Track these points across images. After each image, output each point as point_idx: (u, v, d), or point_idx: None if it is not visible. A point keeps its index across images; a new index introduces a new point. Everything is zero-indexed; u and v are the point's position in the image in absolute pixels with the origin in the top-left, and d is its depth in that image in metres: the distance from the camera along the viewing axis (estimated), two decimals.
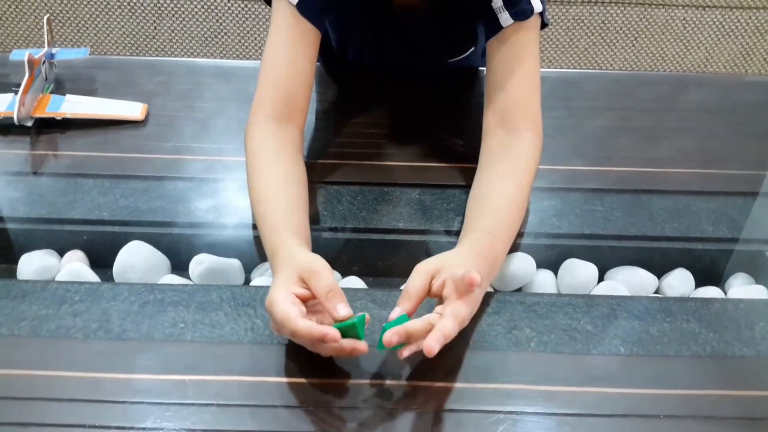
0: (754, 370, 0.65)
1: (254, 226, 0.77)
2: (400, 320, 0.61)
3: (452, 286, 0.62)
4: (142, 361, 0.63)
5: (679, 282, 0.79)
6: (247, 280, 0.78)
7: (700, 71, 1.94)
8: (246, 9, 1.86)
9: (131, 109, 0.94)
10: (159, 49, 1.90)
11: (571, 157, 0.91)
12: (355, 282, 0.76)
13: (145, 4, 1.85)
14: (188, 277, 0.76)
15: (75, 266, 0.75)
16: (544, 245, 0.79)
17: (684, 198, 0.85)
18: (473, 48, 1.00)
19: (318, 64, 0.84)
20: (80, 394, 0.60)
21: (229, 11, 1.86)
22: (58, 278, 0.75)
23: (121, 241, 0.77)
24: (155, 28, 1.88)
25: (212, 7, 1.85)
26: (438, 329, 0.59)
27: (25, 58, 0.91)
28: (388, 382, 0.62)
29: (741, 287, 0.78)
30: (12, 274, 0.77)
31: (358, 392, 0.61)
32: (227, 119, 0.94)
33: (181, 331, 0.66)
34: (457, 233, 0.74)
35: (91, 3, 1.85)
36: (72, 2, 1.85)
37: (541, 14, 0.80)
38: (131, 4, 1.85)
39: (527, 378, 0.63)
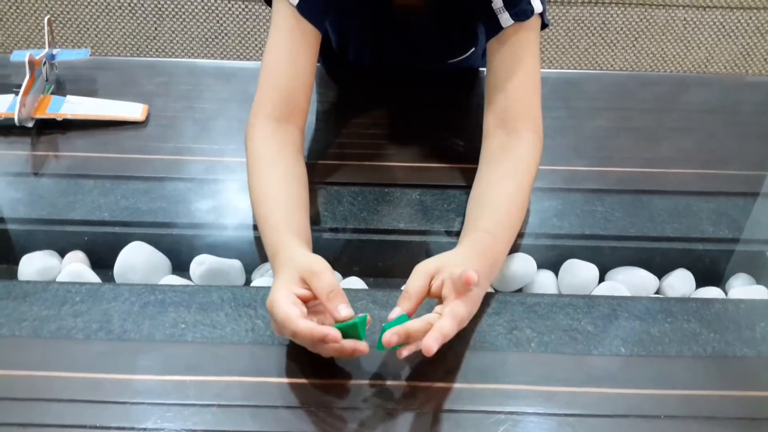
0: (754, 370, 0.65)
1: (255, 227, 0.77)
2: (400, 320, 0.61)
3: (451, 285, 0.62)
4: (143, 361, 0.63)
5: (680, 282, 0.79)
6: (248, 281, 0.78)
7: (701, 72, 1.94)
8: (246, 10, 1.86)
9: (132, 110, 0.94)
10: (159, 50, 1.90)
11: (571, 157, 0.91)
12: (355, 282, 0.76)
13: (145, 5, 1.85)
14: (189, 278, 0.76)
15: (76, 267, 0.75)
16: (545, 246, 0.79)
17: (684, 198, 0.85)
18: (473, 48, 1.00)
19: (318, 64, 0.84)
20: (81, 395, 0.60)
21: (230, 12, 1.86)
22: (58, 279, 0.75)
23: (122, 241, 0.77)
24: (156, 29, 1.88)
25: (213, 7, 1.85)
26: (436, 328, 0.59)
27: (26, 59, 0.91)
28: (388, 382, 0.62)
29: (742, 287, 0.78)
30: (13, 274, 0.77)
31: (358, 393, 0.61)
32: (228, 120, 0.94)
33: (182, 332, 0.66)
34: (458, 234, 0.74)
35: (92, 4, 1.85)
36: (73, 3, 1.85)
37: (542, 15, 0.80)
38: (132, 5, 1.85)
39: (528, 378, 0.63)
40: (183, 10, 1.86)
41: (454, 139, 0.92)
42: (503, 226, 0.72)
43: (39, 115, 0.91)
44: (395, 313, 0.62)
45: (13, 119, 0.88)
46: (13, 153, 0.88)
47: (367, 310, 0.68)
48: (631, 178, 0.87)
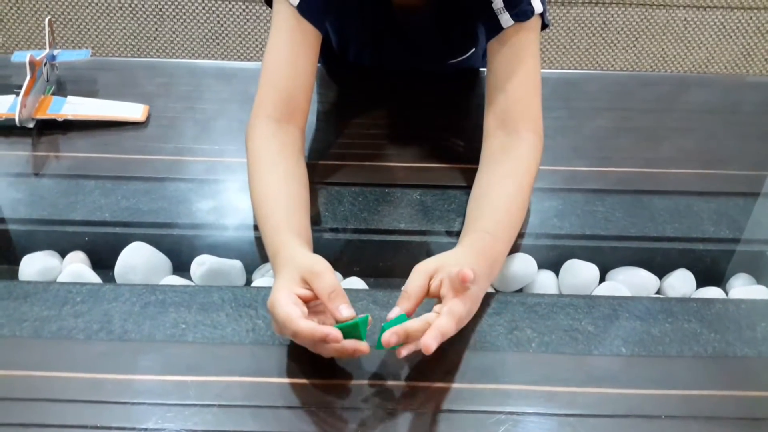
0: (755, 370, 0.65)
1: (255, 227, 0.77)
2: (399, 320, 0.61)
3: (449, 284, 0.62)
4: (144, 361, 0.63)
5: (681, 282, 0.79)
6: (249, 281, 0.78)
7: (701, 72, 1.94)
8: (247, 10, 1.86)
9: (132, 111, 0.94)
10: (160, 51, 1.90)
11: (572, 157, 0.91)
12: (356, 283, 0.76)
13: (146, 6, 1.85)
14: (189, 278, 0.77)
15: (76, 267, 0.75)
16: (545, 246, 0.79)
17: (685, 198, 0.85)
18: (474, 49, 1.00)
19: (318, 65, 0.84)
20: (82, 395, 0.60)
21: (230, 13, 1.86)
22: (59, 279, 0.75)
23: (123, 242, 0.77)
24: (156, 29, 1.88)
25: (213, 8, 1.85)
26: (435, 327, 0.59)
27: (27, 60, 0.91)
28: (389, 382, 0.62)
29: (742, 287, 0.78)
30: (14, 275, 0.77)
31: (359, 393, 0.61)
32: (228, 120, 0.95)
33: (183, 332, 0.66)
34: (458, 234, 0.74)
35: (93, 5, 1.85)
36: (73, 4, 1.85)
37: (542, 15, 0.80)
38: (132, 5, 1.85)
39: (528, 378, 0.63)
40: (183, 10, 1.86)
41: (454, 140, 0.92)
42: (503, 226, 0.72)
43: (40, 116, 0.91)
44: (394, 313, 0.62)
45: (14, 120, 0.88)
46: (13, 153, 0.88)
47: (367, 310, 0.68)
48: (631, 178, 0.87)
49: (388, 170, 0.87)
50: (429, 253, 0.67)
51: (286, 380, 0.62)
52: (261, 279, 0.76)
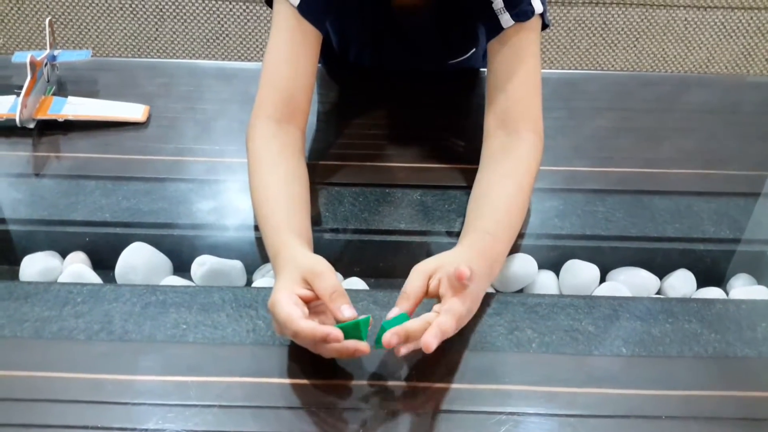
0: (756, 370, 0.65)
1: (256, 228, 0.77)
2: (399, 318, 0.61)
3: (447, 284, 0.62)
4: (144, 362, 0.63)
5: (681, 283, 0.79)
6: (249, 282, 0.78)
7: (702, 72, 1.94)
8: (247, 11, 1.86)
9: (133, 111, 0.94)
10: (160, 51, 1.91)
11: (572, 157, 0.91)
12: (356, 283, 0.76)
13: (146, 6, 1.85)
14: (190, 279, 0.77)
15: (77, 268, 0.75)
16: (546, 246, 0.79)
17: (685, 199, 0.85)
18: (474, 49, 1.00)
19: (319, 65, 0.85)
20: (82, 396, 0.60)
21: (231, 13, 1.86)
22: (60, 280, 0.75)
23: (123, 242, 0.77)
24: (157, 30, 1.88)
25: (213, 8, 1.85)
26: (435, 325, 0.59)
27: (28, 61, 0.91)
28: (390, 383, 0.62)
29: (743, 288, 0.78)
30: (14, 275, 0.77)
31: (360, 393, 0.61)
32: (229, 121, 0.95)
33: (183, 333, 0.66)
34: (459, 234, 0.74)
35: (93, 5, 1.85)
36: (74, 4, 1.85)
37: (542, 15, 0.80)
38: (133, 6, 1.85)
39: (529, 379, 0.63)
40: (184, 11, 1.86)
41: (454, 140, 0.92)
42: (503, 226, 0.72)
43: (40, 116, 0.91)
44: (393, 313, 0.62)
45: (14, 120, 0.88)
46: (14, 154, 0.88)
47: (368, 310, 0.68)
48: (632, 179, 0.87)
49: (389, 170, 0.87)
50: (429, 254, 0.67)
51: (287, 381, 0.62)
52: (261, 279, 0.76)
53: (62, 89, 0.99)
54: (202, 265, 0.76)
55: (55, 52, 0.99)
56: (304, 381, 0.62)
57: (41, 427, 0.58)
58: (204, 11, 1.86)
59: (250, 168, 0.76)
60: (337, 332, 0.58)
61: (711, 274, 0.80)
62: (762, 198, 0.86)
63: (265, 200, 0.73)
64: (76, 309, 0.68)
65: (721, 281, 0.81)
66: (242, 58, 1.91)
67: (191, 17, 1.87)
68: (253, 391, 0.61)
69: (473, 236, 0.70)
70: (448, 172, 0.87)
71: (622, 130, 0.96)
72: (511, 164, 0.77)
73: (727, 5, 1.86)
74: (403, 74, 1.01)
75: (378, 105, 0.98)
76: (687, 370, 0.64)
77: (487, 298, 0.69)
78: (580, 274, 0.77)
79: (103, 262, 0.78)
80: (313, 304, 0.63)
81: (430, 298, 0.64)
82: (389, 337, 0.58)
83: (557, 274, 0.79)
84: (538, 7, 0.79)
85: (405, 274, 0.65)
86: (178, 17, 1.86)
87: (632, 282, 0.78)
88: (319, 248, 0.69)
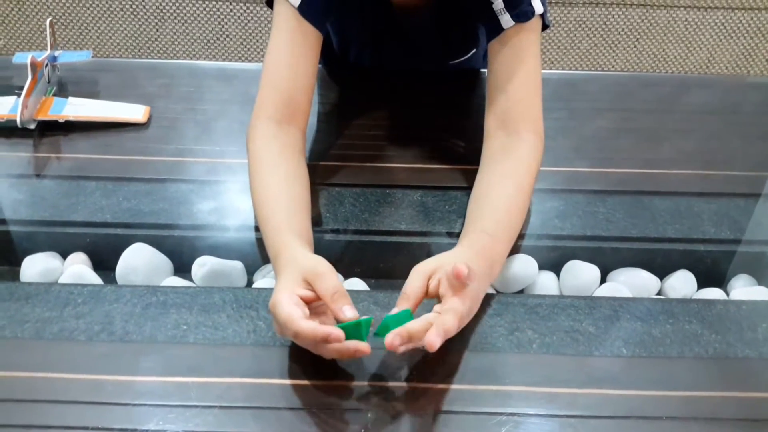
0: (756, 371, 0.65)
1: (257, 228, 0.77)
2: (403, 314, 0.61)
3: (447, 283, 0.62)
4: (145, 363, 0.63)
5: (682, 283, 0.79)
6: (250, 282, 0.78)
7: (702, 72, 1.94)
8: (248, 11, 1.86)
9: (133, 112, 0.94)
10: (161, 52, 1.91)
11: (572, 158, 0.91)
12: (357, 284, 0.76)
13: (147, 7, 1.85)
14: (191, 280, 0.77)
15: (78, 268, 0.75)
16: (546, 247, 0.79)
17: (686, 199, 0.85)
18: (474, 50, 1.00)
19: (319, 66, 0.85)
20: (83, 396, 0.60)
21: (231, 14, 1.86)
22: (61, 280, 0.75)
23: (124, 243, 0.77)
24: (157, 30, 1.88)
25: (214, 9, 1.86)
26: (438, 324, 0.59)
27: (28, 61, 0.91)
28: (390, 384, 0.62)
29: (743, 288, 0.78)
30: (15, 276, 0.77)
31: (360, 394, 0.61)
32: (229, 121, 0.95)
33: (184, 333, 0.66)
34: (459, 235, 0.74)
35: (94, 6, 1.85)
36: (74, 5, 1.85)
37: (543, 16, 0.80)
38: (133, 6, 1.85)
39: (529, 379, 0.63)
40: (184, 11, 1.86)
41: (455, 141, 0.92)
42: (503, 226, 0.72)
43: (41, 117, 0.91)
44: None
45: (15, 121, 0.88)
46: (15, 155, 0.88)
47: (368, 311, 0.68)
48: (632, 179, 0.87)
49: (389, 171, 0.87)
50: (430, 254, 0.67)
51: (288, 381, 0.62)
52: (262, 280, 0.76)
53: (63, 90, 0.99)
54: (202, 266, 0.76)
55: (56, 53, 1.00)
56: (305, 382, 0.62)
57: (42, 428, 0.58)
58: (204, 12, 1.86)
59: (251, 169, 0.76)
60: (338, 332, 0.58)
61: (711, 274, 0.80)
62: (762, 199, 0.86)
63: (266, 201, 0.73)
64: (77, 310, 0.68)
65: (721, 282, 0.81)
66: (243, 58, 1.91)
67: (192, 18, 1.87)
68: (254, 391, 0.61)
69: (473, 236, 0.70)
70: (449, 172, 0.87)
71: (623, 130, 0.96)
72: (512, 165, 0.77)
73: (727, 6, 1.86)
74: (404, 75, 1.01)
75: (378, 106, 0.98)
76: (687, 370, 0.64)
77: (488, 299, 0.70)
78: (581, 274, 0.77)
79: (104, 262, 0.78)
80: (314, 305, 0.63)
81: (430, 299, 0.64)
82: (392, 338, 0.58)
83: (558, 274, 0.79)
84: (538, 8, 0.79)
85: (405, 275, 0.65)
86: (178, 18, 1.87)
87: (633, 283, 0.78)
88: (319, 249, 0.69)
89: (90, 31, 1.88)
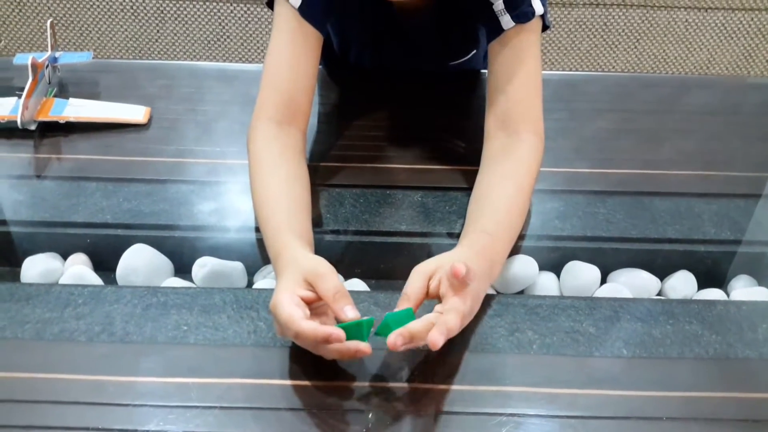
0: (756, 372, 0.65)
1: (257, 229, 0.77)
2: (404, 313, 0.61)
3: (447, 283, 0.62)
4: (146, 363, 0.63)
5: (682, 284, 0.79)
6: (250, 283, 0.78)
7: (703, 73, 1.94)
8: (248, 12, 1.86)
9: (134, 113, 0.94)
10: (162, 53, 1.91)
11: (573, 159, 0.91)
12: (357, 284, 0.76)
13: (147, 8, 1.85)
14: (191, 280, 0.77)
15: (78, 269, 0.75)
16: (547, 247, 0.79)
17: (686, 200, 0.85)
18: (475, 51, 1.00)
19: (319, 67, 0.85)
20: (83, 397, 0.60)
21: (232, 14, 1.87)
22: (61, 281, 0.75)
23: (124, 244, 0.77)
24: (158, 31, 1.88)
25: (215, 10, 1.86)
26: (441, 323, 0.59)
27: (29, 62, 0.91)
28: (391, 384, 0.62)
29: (744, 289, 0.78)
30: (15, 277, 0.77)
31: (361, 395, 0.61)
32: (230, 122, 0.95)
33: (184, 334, 0.66)
34: (459, 236, 0.74)
35: (94, 7, 1.85)
36: (75, 6, 1.85)
37: (543, 17, 0.80)
38: (134, 7, 1.85)
39: (530, 380, 0.63)
40: (185, 12, 1.86)
41: (455, 141, 0.92)
42: (503, 227, 0.72)
43: (42, 118, 0.91)
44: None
45: (15, 122, 0.88)
46: (15, 156, 0.88)
47: (369, 312, 0.68)
48: (632, 180, 0.87)
49: (390, 172, 0.87)
50: (430, 255, 0.67)
51: (288, 382, 0.62)
52: (263, 281, 0.76)
53: (63, 91, 0.99)
54: (203, 267, 0.76)
55: (57, 54, 1.00)
56: (305, 382, 0.62)
57: (42, 428, 0.58)
58: (205, 13, 1.86)
59: (251, 169, 0.77)
60: (339, 332, 0.58)
61: (712, 275, 0.80)
62: (763, 199, 0.86)
63: (266, 201, 0.73)
64: (78, 310, 0.68)
65: (721, 282, 0.81)
66: (243, 59, 1.91)
67: (192, 19, 1.87)
68: (254, 392, 0.61)
69: (473, 236, 0.70)
70: (449, 173, 0.87)
71: (623, 131, 0.96)
72: (512, 165, 0.77)
73: (727, 6, 1.86)
74: (404, 76, 1.01)
75: (379, 106, 0.98)
76: (688, 371, 0.64)
77: (488, 300, 0.70)
78: (581, 275, 0.77)
79: (104, 263, 0.78)
80: (314, 306, 0.63)
81: (431, 299, 0.64)
82: (394, 338, 0.58)
83: (558, 275, 0.79)
84: (538, 9, 0.79)
85: (406, 276, 0.65)
86: (179, 19, 1.87)
87: (633, 283, 0.78)
88: (320, 250, 0.69)
89: (90, 32, 1.88)
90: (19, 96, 0.89)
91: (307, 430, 0.58)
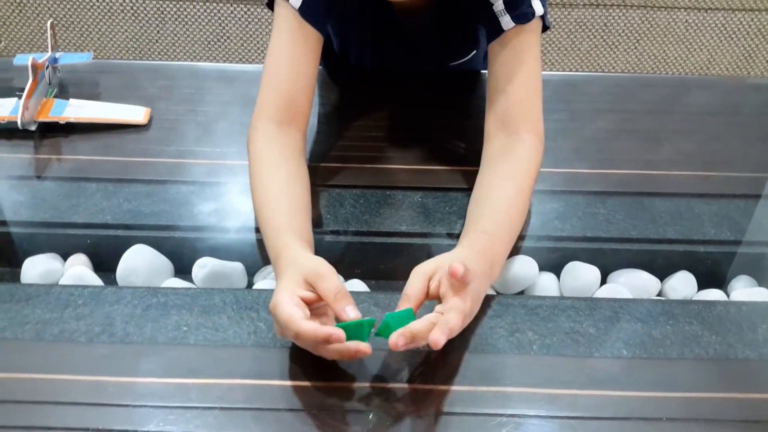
0: (756, 372, 0.65)
1: (257, 230, 0.77)
2: (404, 313, 0.61)
3: (447, 284, 0.62)
4: (146, 364, 0.63)
5: (682, 284, 0.79)
6: (250, 284, 0.78)
7: (703, 73, 1.94)
8: (248, 13, 1.87)
9: (134, 113, 0.94)
10: (162, 53, 1.91)
11: (573, 159, 0.91)
12: (357, 285, 0.76)
13: (147, 9, 1.85)
14: (191, 281, 0.77)
15: (78, 270, 0.75)
16: (547, 248, 0.79)
17: (686, 200, 0.85)
18: (475, 51, 1.00)
19: (320, 67, 0.85)
20: (84, 398, 0.60)
21: (232, 15, 1.87)
22: (61, 282, 0.75)
23: (125, 244, 0.77)
24: (158, 32, 1.88)
25: (215, 11, 1.86)
26: (443, 322, 0.59)
27: (29, 63, 0.91)
28: (391, 385, 0.62)
29: (744, 290, 0.78)
30: (16, 277, 0.77)
31: (361, 395, 0.61)
32: (230, 123, 0.95)
33: (184, 335, 0.66)
34: (459, 236, 0.74)
35: (95, 7, 1.86)
36: (75, 7, 1.85)
37: (543, 17, 0.80)
38: (134, 8, 1.85)
39: (530, 381, 0.63)
40: (185, 13, 1.86)
41: (455, 142, 0.92)
42: (503, 227, 0.72)
43: (42, 119, 0.91)
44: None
45: (16, 122, 0.88)
46: (16, 156, 0.88)
47: (369, 312, 0.68)
48: (632, 180, 0.87)
49: (390, 172, 0.87)
50: (430, 256, 0.67)
51: (288, 383, 0.62)
52: (263, 281, 0.76)
53: (64, 92, 0.99)
54: (203, 267, 0.76)
55: (57, 55, 1.00)
56: (306, 383, 0.62)
57: (42, 429, 0.58)
58: (205, 13, 1.86)
59: (251, 170, 0.77)
60: (340, 332, 0.58)
61: (712, 275, 0.80)
62: (763, 200, 0.86)
63: (266, 202, 0.73)
64: (78, 311, 0.68)
65: (722, 283, 0.81)
66: (243, 60, 1.91)
67: (192, 19, 1.87)
68: (254, 393, 0.61)
69: (473, 236, 0.70)
70: (449, 174, 0.87)
71: (623, 132, 0.96)
72: (511, 166, 0.77)
73: (727, 7, 1.86)
74: (404, 76, 1.01)
75: (379, 107, 0.98)
76: (688, 372, 0.64)
77: (488, 300, 0.70)
78: (581, 276, 0.77)
79: (105, 264, 0.78)
80: (314, 306, 0.63)
81: (431, 300, 0.64)
82: (396, 338, 0.58)
83: (558, 276, 0.79)
84: (538, 9, 0.79)
85: (406, 276, 0.65)
86: (179, 19, 1.87)
87: (633, 284, 0.78)
88: (320, 250, 0.69)
89: (91, 32, 1.88)
90: (20, 97, 0.89)
91: (307, 431, 0.58)
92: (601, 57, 1.94)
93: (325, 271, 0.62)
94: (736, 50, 1.92)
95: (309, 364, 0.63)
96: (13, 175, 0.85)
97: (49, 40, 0.99)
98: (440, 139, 0.92)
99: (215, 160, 0.89)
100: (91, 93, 0.99)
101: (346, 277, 0.77)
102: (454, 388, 0.62)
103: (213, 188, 0.84)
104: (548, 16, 0.81)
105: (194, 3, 1.85)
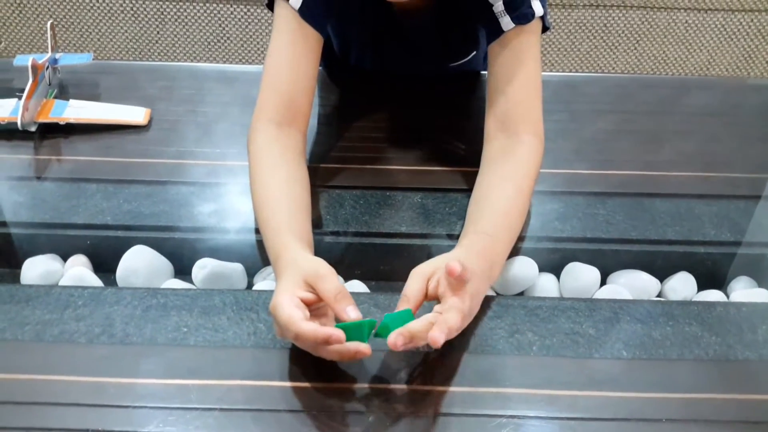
0: (756, 373, 0.65)
1: (257, 231, 0.77)
2: (403, 313, 0.61)
3: (446, 284, 0.62)
4: (146, 365, 0.63)
5: (682, 285, 0.79)
6: (250, 285, 0.78)
7: (702, 74, 1.94)
8: (248, 13, 1.87)
9: (134, 114, 0.94)
10: (162, 54, 1.91)
11: (572, 160, 0.91)
12: (357, 286, 0.76)
13: (147, 9, 1.85)
14: (191, 282, 0.77)
15: (78, 271, 0.75)
16: (547, 249, 0.79)
17: (686, 201, 0.85)
18: (475, 52, 1.00)
19: (320, 68, 0.85)
20: (83, 399, 0.60)
21: (232, 16, 1.87)
22: (61, 283, 0.75)
23: (124, 245, 0.77)
24: (158, 32, 1.88)
25: (215, 11, 1.86)
26: (442, 321, 0.59)
27: (29, 64, 0.91)
28: (391, 386, 0.62)
29: (743, 291, 0.78)
30: (15, 278, 0.77)
31: (361, 396, 0.61)
32: (230, 124, 0.95)
33: (184, 336, 0.66)
34: (459, 237, 0.74)
35: (95, 8, 1.86)
36: (75, 7, 1.85)
37: (543, 18, 0.80)
38: (134, 9, 1.85)
39: (529, 382, 0.63)
40: (185, 14, 1.86)
41: (455, 143, 0.92)
42: (502, 228, 0.72)
43: (42, 120, 0.91)
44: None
45: (16, 123, 0.88)
46: (16, 157, 0.88)
47: (369, 313, 0.68)
48: (632, 181, 0.87)
49: (390, 173, 0.87)
50: (430, 257, 0.67)
51: (288, 384, 0.62)
52: (262, 282, 0.76)
53: (64, 92, 0.99)
54: (203, 268, 0.76)
55: (57, 56, 1.00)
56: (305, 384, 0.62)
57: (42, 430, 0.58)
58: (205, 14, 1.86)
59: (251, 171, 0.77)
60: (339, 333, 0.58)
61: (712, 276, 0.80)
62: (763, 201, 0.86)
63: (266, 203, 0.73)
64: (77, 312, 0.68)
65: (721, 284, 0.81)
66: (243, 61, 1.91)
67: (192, 20, 1.87)
68: (254, 394, 0.61)
69: (472, 237, 0.70)
70: (449, 175, 0.87)
71: (623, 132, 0.96)
72: (511, 167, 0.77)
73: (727, 8, 1.86)
74: (404, 77, 1.01)
75: (379, 108, 0.98)
76: (687, 373, 0.64)
77: (488, 301, 0.70)
78: (581, 276, 0.77)
79: (104, 265, 0.78)
80: (314, 307, 0.63)
81: (430, 300, 0.64)
82: (395, 338, 0.58)
83: (558, 277, 0.79)
84: (538, 10, 0.79)
85: (406, 277, 0.65)
86: (179, 20, 1.87)
87: (633, 285, 0.78)
88: (319, 251, 0.69)
89: (91, 33, 1.88)
90: (20, 97, 0.89)
91: None
92: (601, 58, 1.94)
93: (325, 272, 0.62)
94: (735, 51, 1.93)
95: (309, 365, 0.63)
96: (13, 175, 0.85)
97: (49, 41, 0.99)
98: (440, 140, 0.92)
99: (215, 160, 0.89)
100: (91, 94, 0.99)
101: (346, 278, 0.77)
102: (454, 389, 0.62)
103: (213, 189, 0.84)
104: (548, 16, 0.82)
105: (194, 3, 1.85)
